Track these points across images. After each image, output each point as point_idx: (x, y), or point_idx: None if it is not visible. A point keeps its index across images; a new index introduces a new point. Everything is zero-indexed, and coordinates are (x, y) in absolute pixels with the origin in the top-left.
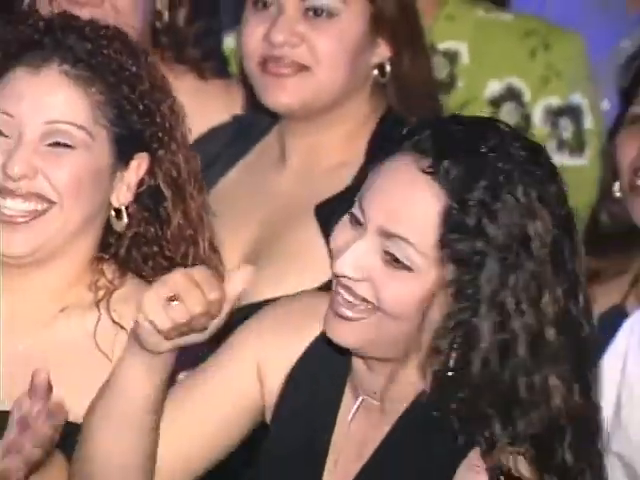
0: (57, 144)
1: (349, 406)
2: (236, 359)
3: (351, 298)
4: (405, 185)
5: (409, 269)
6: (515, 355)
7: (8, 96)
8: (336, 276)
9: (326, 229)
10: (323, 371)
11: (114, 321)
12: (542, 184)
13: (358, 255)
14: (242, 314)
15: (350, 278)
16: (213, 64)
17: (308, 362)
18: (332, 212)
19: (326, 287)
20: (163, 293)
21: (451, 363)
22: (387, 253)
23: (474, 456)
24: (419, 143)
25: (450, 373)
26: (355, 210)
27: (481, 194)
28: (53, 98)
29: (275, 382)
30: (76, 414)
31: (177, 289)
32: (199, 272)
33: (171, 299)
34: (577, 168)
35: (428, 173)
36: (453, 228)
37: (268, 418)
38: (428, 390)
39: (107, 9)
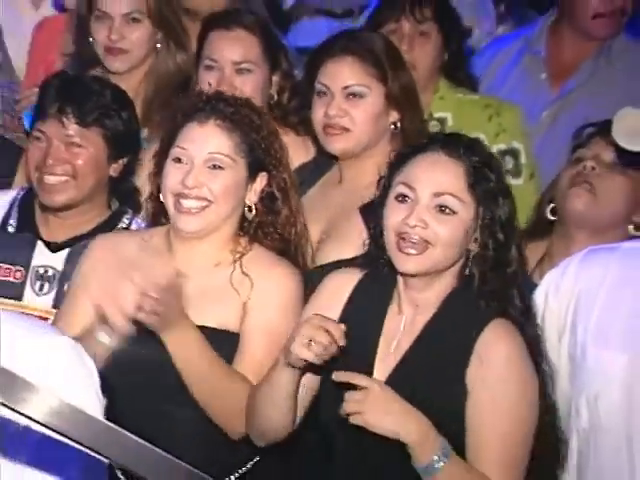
0: (214, 166)
1: (394, 319)
2: None
3: (416, 240)
4: (441, 164)
5: (454, 212)
6: (500, 235)
7: (186, 139)
8: (401, 232)
9: (366, 221)
10: (368, 302)
11: (243, 272)
12: (497, 161)
13: (420, 212)
14: (318, 272)
15: (415, 226)
16: (305, 126)
17: (355, 299)
18: (369, 211)
19: (357, 258)
20: (304, 338)
21: (478, 255)
22: (439, 206)
23: (490, 328)
24: (444, 144)
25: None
26: (403, 191)
27: (479, 161)
28: (211, 139)
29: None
30: (217, 323)
31: (311, 335)
32: (317, 319)
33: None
34: (516, 186)
35: (451, 156)
36: (473, 178)
37: None
38: (457, 286)
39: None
